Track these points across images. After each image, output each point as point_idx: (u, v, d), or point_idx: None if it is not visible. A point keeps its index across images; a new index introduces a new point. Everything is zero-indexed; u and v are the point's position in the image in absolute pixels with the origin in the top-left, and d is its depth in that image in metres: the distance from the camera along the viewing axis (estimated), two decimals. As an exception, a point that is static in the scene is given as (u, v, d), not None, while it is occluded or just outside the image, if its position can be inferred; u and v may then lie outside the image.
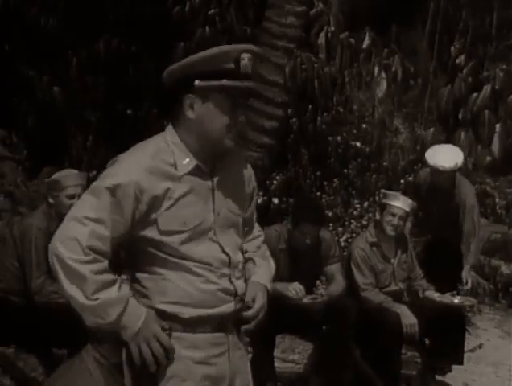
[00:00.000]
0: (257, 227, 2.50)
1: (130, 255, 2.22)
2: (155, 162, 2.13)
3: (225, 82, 2.11)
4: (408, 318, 4.32)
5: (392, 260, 4.61)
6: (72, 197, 3.94)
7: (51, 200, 4.03)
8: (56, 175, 4.13)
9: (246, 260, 2.38)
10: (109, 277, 2.10)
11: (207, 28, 7.30)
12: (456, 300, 4.58)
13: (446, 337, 4.56)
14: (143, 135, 2.28)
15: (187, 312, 2.16)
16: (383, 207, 4.58)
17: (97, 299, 2.06)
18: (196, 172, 2.16)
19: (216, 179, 2.21)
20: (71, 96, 6.81)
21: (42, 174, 6.18)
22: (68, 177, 4.09)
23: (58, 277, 2.07)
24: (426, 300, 4.61)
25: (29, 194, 6.15)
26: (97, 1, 7.00)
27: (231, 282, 2.21)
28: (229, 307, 2.21)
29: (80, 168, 6.01)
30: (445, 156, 4.93)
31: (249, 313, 2.25)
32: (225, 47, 2.15)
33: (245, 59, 2.12)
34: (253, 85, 2.17)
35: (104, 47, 7.06)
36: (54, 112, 6.76)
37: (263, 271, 2.39)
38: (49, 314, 3.82)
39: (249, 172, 2.36)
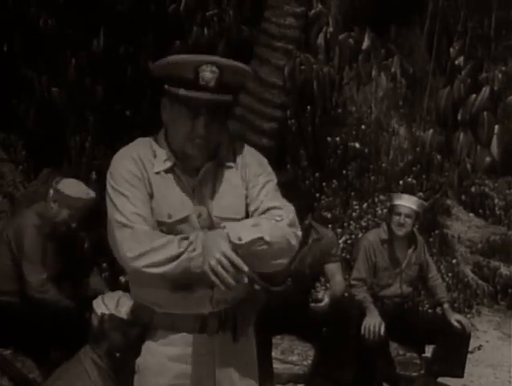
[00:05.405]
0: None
1: None
2: (138, 153, 2.15)
3: (182, 91, 2.06)
4: (371, 321, 4.27)
5: (402, 262, 4.61)
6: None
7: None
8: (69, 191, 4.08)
9: None
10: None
11: (205, 30, 7.28)
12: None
13: (448, 348, 4.53)
14: (142, 136, 2.28)
15: (166, 305, 2.15)
16: (390, 210, 4.62)
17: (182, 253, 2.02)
18: (173, 171, 2.15)
19: (198, 181, 2.16)
20: (69, 96, 6.80)
21: (41, 176, 6.17)
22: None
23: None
24: None
25: (28, 195, 6.14)
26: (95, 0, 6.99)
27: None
28: (205, 309, 2.15)
29: (79, 169, 6.04)
30: None
31: None
32: (188, 57, 2.08)
33: (207, 71, 2.03)
34: (215, 98, 2.06)
35: (102, 47, 7.05)
36: (53, 113, 6.75)
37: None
38: (47, 316, 3.82)
39: (244, 165, 2.23)
